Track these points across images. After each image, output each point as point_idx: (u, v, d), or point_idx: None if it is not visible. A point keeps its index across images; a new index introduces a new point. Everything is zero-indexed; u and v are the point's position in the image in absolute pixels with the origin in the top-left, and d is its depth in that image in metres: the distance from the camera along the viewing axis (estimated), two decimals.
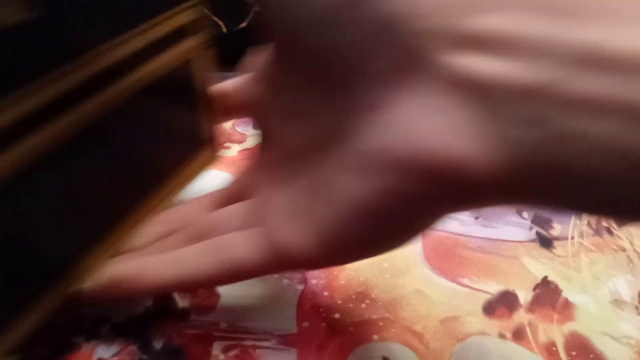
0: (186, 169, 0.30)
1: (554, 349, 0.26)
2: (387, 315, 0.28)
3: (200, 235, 0.25)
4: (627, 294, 0.29)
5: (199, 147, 0.30)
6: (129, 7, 0.23)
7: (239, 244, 0.23)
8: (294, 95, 0.22)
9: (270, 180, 0.24)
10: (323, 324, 0.27)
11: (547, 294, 0.29)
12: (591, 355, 0.26)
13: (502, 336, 0.27)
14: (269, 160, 0.25)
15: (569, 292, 0.29)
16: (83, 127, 0.22)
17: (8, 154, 0.19)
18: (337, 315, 0.28)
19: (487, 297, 0.29)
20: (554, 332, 0.27)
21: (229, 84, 0.29)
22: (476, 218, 0.34)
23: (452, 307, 0.28)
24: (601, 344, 0.26)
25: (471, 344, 0.26)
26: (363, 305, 0.28)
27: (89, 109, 0.22)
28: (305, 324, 0.27)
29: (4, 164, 0.19)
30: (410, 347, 0.26)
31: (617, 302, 0.29)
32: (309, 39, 0.19)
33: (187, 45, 0.27)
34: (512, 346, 0.27)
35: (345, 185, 0.20)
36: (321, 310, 0.28)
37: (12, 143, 0.19)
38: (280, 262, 0.23)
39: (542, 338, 0.27)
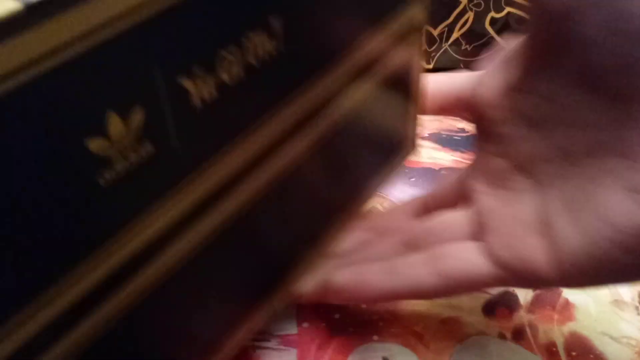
0: (389, 170, 0.30)
1: (554, 349, 0.26)
2: (387, 315, 0.28)
3: (415, 243, 0.25)
4: (627, 295, 0.29)
5: (403, 152, 0.30)
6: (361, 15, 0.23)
7: (463, 256, 0.23)
8: (551, 102, 0.21)
9: (494, 189, 0.23)
10: (323, 324, 0.27)
11: (547, 294, 0.29)
12: (591, 356, 0.26)
13: (502, 336, 0.27)
14: (493, 167, 0.24)
15: (569, 293, 0.29)
16: (314, 142, 0.23)
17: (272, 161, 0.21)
18: (337, 316, 0.28)
19: (487, 297, 0.29)
20: (554, 332, 0.27)
21: (445, 82, 0.28)
22: None
23: (452, 307, 0.28)
24: (601, 344, 0.26)
25: (471, 344, 0.26)
26: (363, 306, 0.28)
27: (326, 123, 0.23)
28: (305, 325, 0.27)
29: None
30: (411, 347, 0.26)
31: (618, 303, 0.29)
32: (605, 50, 0.18)
33: (407, 48, 0.27)
34: (512, 346, 0.27)
35: (625, 208, 0.18)
36: (321, 310, 0.28)
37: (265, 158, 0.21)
38: (510, 278, 0.22)
39: (542, 338, 0.27)
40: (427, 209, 0.27)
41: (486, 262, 0.22)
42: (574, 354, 0.26)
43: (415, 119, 0.30)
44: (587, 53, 0.18)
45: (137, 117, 0.16)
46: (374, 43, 0.24)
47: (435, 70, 0.39)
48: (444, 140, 0.40)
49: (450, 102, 0.27)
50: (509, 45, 0.24)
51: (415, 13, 0.26)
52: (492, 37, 0.48)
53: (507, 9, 0.47)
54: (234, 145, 0.19)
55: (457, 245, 0.23)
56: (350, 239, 0.28)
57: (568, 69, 0.20)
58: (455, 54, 0.49)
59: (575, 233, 0.19)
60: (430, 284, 0.23)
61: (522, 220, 0.22)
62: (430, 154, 0.38)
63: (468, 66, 0.48)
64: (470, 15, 0.48)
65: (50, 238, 0.15)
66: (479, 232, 0.23)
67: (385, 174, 0.29)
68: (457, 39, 0.48)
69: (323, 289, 0.25)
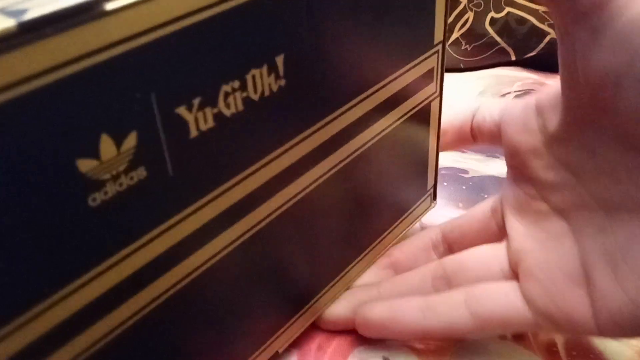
0: (411, 214, 0.29)
1: (554, 349, 0.26)
2: None
3: (447, 277, 0.25)
4: None
5: (423, 194, 0.30)
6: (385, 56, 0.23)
7: (501, 300, 0.23)
8: (593, 155, 0.21)
9: (531, 229, 0.23)
10: None
11: None
12: (591, 356, 0.26)
13: (502, 336, 0.27)
14: (530, 208, 0.24)
15: None
16: (326, 177, 0.23)
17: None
18: None
19: None
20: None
21: (453, 116, 0.28)
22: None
23: None
24: (601, 343, 0.26)
25: (471, 344, 0.26)
26: None
27: (349, 149, 0.24)
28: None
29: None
30: (411, 347, 0.26)
31: None
32: None
33: (429, 91, 0.27)
34: (512, 346, 0.27)
35: None
36: None
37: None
38: (548, 325, 0.22)
39: (543, 338, 0.27)
40: (447, 241, 0.27)
41: (524, 307, 0.22)
42: (574, 353, 0.26)
43: (435, 167, 0.30)
44: (627, 120, 0.19)
45: (131, 141, 0.15)
46: (386, 89, 0.24)
47: None
48: None
49: (462, 134, 0.28)
50: (535, 85, 0.24)
51: (433, 58, 0.26)
52: (492, 37, 0.48)
53: (507, 9, 0.47)
54: (232, 177, 0.19)
55: (493, 286, 0.24)
56: (373, 272, 0.28)
57: (609, 129, 0.20)
58: (455, 54, 0.49)
59: (616, 290, 0.20)
60: (466, 325, 0.23)
61: (562, 268, 0.22)
62: None
63: (468, 66, 0.48)
64: (470, 15, 0.48)
65: (35, 257, 0.14)
66: (515, 272, 0.24)
67: (402, 218, 0.29)
68: (457, 39, 0.48)
69: (358, 321, 0.25)
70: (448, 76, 0.46)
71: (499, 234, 0.26)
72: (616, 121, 0.19)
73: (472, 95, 0.44)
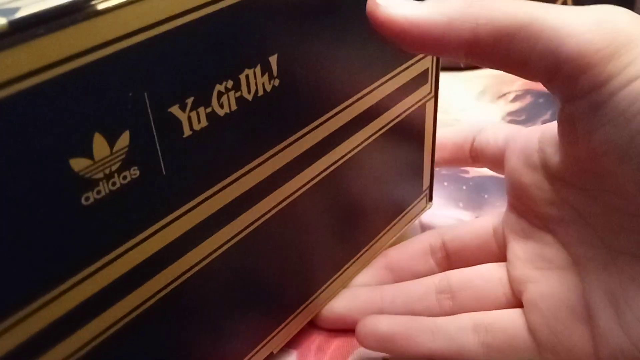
0: (406, 215, 0.29)
1: None
2: None
3: (452, 292, 0.25)
4: None
5: (419, 194, 0.30)
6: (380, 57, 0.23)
7: (509, 330, 0.23)
8: (595, 200, 0.21)
9: (533, 259, 0.23)
10: None
11: None
12: None
13: None
14: (533, 237, 0.24)
15: None
16: (318, 181, 0.23)
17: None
18: None
19: None
20: None
21: (453, 133, 0.29)
22: (477, 217, 0.34)
23: None
24: None
25: None
26: None
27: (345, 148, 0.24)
28: (306, 325, 0.27)
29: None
30: None
31: None
32: None
33: (423, 92, 0.27)
34: None
35: None
36: None
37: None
38: (554, 358, 0.22)
39: None
40: (446, 249, 0.27)
41: (530, 338, 0.23)
42: None
43: (430, 169, 0.29)
44: (630, 186, 0.19)
45: (124, 141, 0.15)
46: (379, 91, 0.24)
47: None
48: None
49: (461, 153, 0.28)
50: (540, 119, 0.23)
51: (427, 59, 0.26)
52: None
53: None
54: (227, 176, 0.19)
55: (501, 314, 0.24)
56: (370, 272, 0.28)
57: (612, 187, 0.20)
58: None
59: (618, 331, 0.20)
60: (476, 352, 0.23)
61: (565, 302, 0.22)
62: None
63: (468, 66, 0.48)
64: None
65: (28, 256, 0.14)
66: (517, 298, 0.24)
67: (398, 219, 0.29)
68: None
69: (362, 331, 0.24)
70: (448, 75, 0.46)
71: (499, 254, 0.26)
72: (618, 182, 0.19)
73: (471, 94, 0.44)
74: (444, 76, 0.44)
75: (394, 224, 0.29)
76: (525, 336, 0.23)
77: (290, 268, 0.24)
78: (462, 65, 0.48)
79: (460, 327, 0.24)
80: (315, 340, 0.26)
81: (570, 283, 0.22)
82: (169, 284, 0.18)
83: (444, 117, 0.41)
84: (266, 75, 0.19)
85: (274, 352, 0.25)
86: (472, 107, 0.43)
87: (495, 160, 0.27)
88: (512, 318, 0.23)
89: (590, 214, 0.21)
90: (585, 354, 0.21)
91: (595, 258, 0.21)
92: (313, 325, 0.27)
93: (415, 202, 0.30)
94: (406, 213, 0.29)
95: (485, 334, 0.23)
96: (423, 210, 0.31)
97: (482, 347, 0.23)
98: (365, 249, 0.27)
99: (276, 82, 0.19)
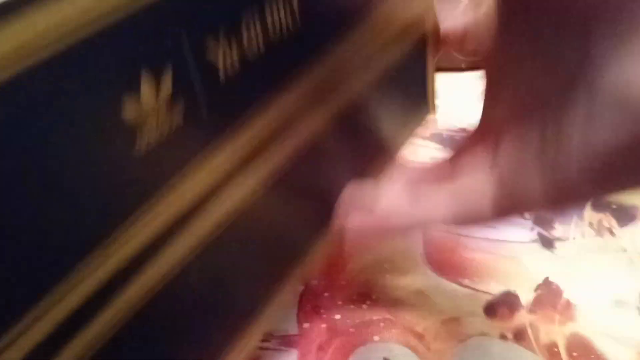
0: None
1: (555, 349, 0.26)
2: (388, 316, 0.28)
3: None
4: (628, 295, 0.29)
5: (423, 112, 0.31)
6: None
7: (477, 190, 0.23)
8: (534, 42, 0.21)
9: (507, 123, 0.23)
10: (324, 325, 0.27)
11: (548, 295, 0.29)
12: (592, 356, 0.26)
13: (503, 337, 0.27)
14: (504, 105, 0.23)
15: (570, 293, 0.29)
16: (336, 109, 0.24)
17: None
18: (337, 316, 0.28)
19: (488, 297, 0.29)
20: (556, 333, 0.27)
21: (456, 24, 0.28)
22: None
23: (453, 308, 0.28)
24: (603, 345, 0.26)
25: (472, 345, 0.26)
26: (364, 306, 0.28)
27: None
28: (306, 325, 0.27)
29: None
30: (412, 348, 0.26)
31: (619, 303, 0.29)
32: None
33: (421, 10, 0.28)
34: (513, 347, 0.27)
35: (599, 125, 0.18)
36: (322, 311, 0.28)
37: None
38: (510, 205, 0.22)
39: (544, 339, 0.27)
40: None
41: (491, 192, 0.22)
42: (575, 354, 0.26)
43: (432, 79, 0.31)
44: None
45: (167, 83, 0.16)
46: (388, 12, 0.25)
47: (436, 70, 0.39)
48: (446, 140, 0.40)
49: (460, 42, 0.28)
50: None
51: None
52: None
53: None
54: (257, 114, 0.20)
55: (472, 178, 0.23)
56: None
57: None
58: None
59: (569, 157, 0.19)
60: (451, 214, 0.23)
61: (522, 152, 0.22)
62: (431, 154, 0.38)
63: (469, 67, 0.48)
64: None
65: (82, 210, 0.15)
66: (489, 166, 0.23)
67: (407, 132, 0.30)
68: None
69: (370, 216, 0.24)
70: (448, 76, 0.46)
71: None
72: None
73: (472, 95, 0.44)
74: (444, 77, 0.45)
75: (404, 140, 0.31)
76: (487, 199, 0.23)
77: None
78: (462, 66, 0.49)
79: (439, 194, 0.24)
80: (316, 340, 0.26)
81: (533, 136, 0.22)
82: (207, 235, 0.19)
83: (444, 119, 0.41)
84: (287, 9, 0.20)
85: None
86: (473, 108, 0.43)
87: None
88: (481, 179, 0.23)
89: (537, 62, 0.21)
90: (536, 193, 0.21)
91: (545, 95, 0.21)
92: (314, 324, 0.27)
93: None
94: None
95: (459, 196, 0.23)
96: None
97: (458, 209, 0.23)
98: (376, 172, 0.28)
99: (297, 17, 0.20)
